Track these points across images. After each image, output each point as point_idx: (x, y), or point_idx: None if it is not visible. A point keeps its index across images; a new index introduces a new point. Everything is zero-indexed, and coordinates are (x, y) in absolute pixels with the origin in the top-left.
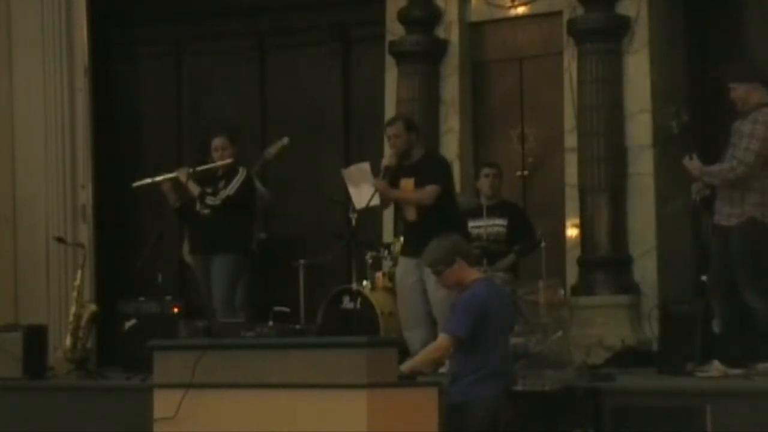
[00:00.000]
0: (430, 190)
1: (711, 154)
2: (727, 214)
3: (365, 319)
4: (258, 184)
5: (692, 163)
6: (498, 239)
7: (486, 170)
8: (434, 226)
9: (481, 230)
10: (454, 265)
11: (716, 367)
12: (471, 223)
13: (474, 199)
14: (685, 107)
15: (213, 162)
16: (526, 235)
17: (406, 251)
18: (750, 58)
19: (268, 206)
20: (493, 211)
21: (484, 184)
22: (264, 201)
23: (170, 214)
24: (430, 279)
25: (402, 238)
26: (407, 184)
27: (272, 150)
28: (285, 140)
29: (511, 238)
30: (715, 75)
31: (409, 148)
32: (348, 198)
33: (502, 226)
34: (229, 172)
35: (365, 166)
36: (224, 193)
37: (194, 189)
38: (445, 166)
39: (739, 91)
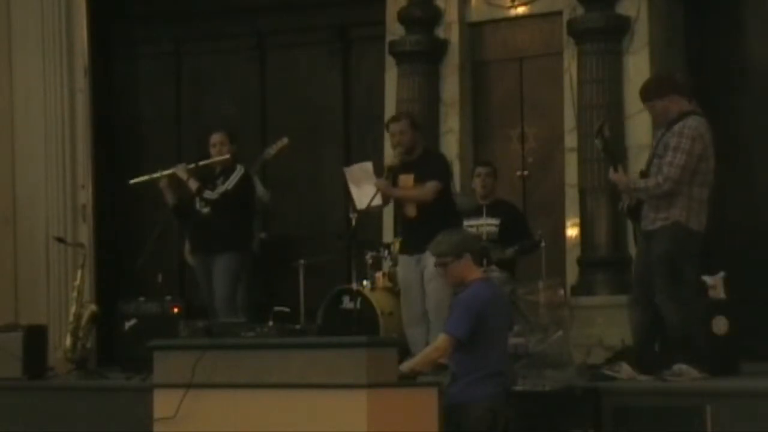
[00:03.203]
0: (431, 186)
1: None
2: (652, 219)
3: (365, 319)
4: (259, 185)
5: (619, 176)
6: (492, 239)
7: (478, 169)
8: (434, 223)
9: (474, 229)
10: (461, 259)
11: (625, 369)
12: (465, 222)
13: (474, 199)
14: (608, 123)
15: (211, 158)
16: (522, 235)
17: (405, 249)
18: (749, 58)
19: (266, 208)
20: (488, 211)
21: (477, 183)
22: (263, 203)
23: (170, 211)
24: (427, 269)
25: (401, 237)
26: (407, 180)
27: (272, 150)
28: (285, 140)
29: (504, 237)
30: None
31: (413, 146)
32: (349, 198)
33: (495, 225)
34: (228, 170)
35: (367, 165)
36: (222, 188)
37: (193, 185)
38: (444, 163)
39: (657, 107)
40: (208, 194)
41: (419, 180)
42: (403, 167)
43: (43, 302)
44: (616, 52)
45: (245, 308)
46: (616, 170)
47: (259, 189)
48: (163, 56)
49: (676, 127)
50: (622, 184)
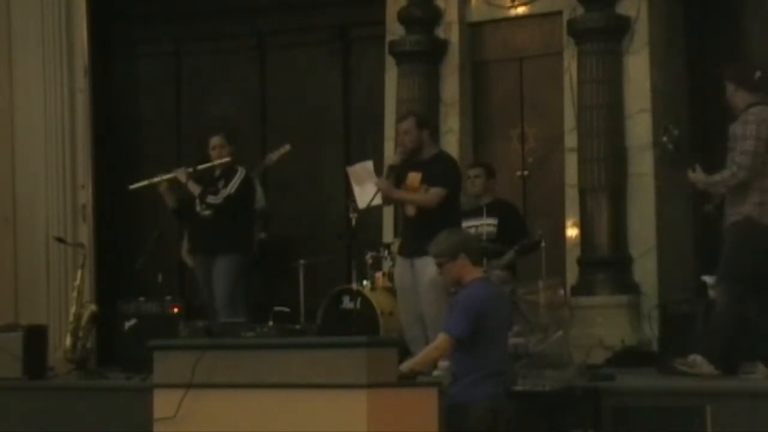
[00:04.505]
0: (435, 193)
1: (713, 151)
2: (729, 215)
3: (365, 319)
4: (258, 190)
5: (696, 176)
6: (490, 238)
7: (470, 171)
8: (433, 225)
9: (473, 230)
10: (457, 260)
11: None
12: (465, 223)
13: (474, 199)
14: (672, 121)
15: (210, 161)
16: (520, 234)
17: (402, 251)
18: (749, 58)
19: (264, 213)
20: (487, 211)
21: (468, 185)
22: (258, 207)
23: (170, 213)
24: (423, 279)
25: (400, 237)
26: (414, 178)
27: (274, 156)
28: (287, 146)
29: (503, 237)
30: (715, 74)
31: (419, 146)
32: (351, 199)
33: (493, 225)
34: (228, 172)
35: (368, 165)
36: (225, 192)
37: (194, 189)
38: (455, 170)
39: (728, 89)
40: (211, 199)
41: (427, 180)
42: (413, 166)
43: (43, 302)
44: (616, 52)
45: (245, 308)
46: (694, 170)
47: (258, 193)
48: (163, 56)
49: (742, 116)
50: (700, 183)
